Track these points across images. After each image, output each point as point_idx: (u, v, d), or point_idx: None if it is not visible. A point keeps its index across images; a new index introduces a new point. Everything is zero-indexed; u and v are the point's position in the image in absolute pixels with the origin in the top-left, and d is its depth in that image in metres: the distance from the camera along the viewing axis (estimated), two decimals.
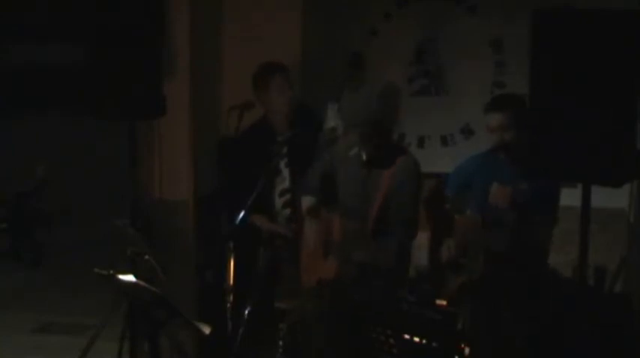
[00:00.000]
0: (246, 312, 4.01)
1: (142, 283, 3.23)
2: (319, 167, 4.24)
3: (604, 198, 3.56)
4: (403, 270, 4.08)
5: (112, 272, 3.23)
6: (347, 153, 4.09)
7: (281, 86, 4.60)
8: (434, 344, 3.62)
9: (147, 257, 3.60)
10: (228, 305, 3.99)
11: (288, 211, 4.68)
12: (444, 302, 4.11)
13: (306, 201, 4.18)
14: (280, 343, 4.06)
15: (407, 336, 3.65)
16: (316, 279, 4.02)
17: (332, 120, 4.42)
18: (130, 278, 3.24)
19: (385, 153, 3.97)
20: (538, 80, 3.17)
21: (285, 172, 4.67)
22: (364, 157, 4.00)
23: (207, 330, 3.17)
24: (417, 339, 3.64)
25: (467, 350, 3.66)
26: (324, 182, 4.17)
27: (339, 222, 3.99)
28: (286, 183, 4.69)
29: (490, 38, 5.52)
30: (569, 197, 3.99)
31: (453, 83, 5.63)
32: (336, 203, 4.11)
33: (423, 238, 4.69)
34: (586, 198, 3.23)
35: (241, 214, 3.99)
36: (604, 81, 3.02)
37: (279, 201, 4.71)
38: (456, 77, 5.62)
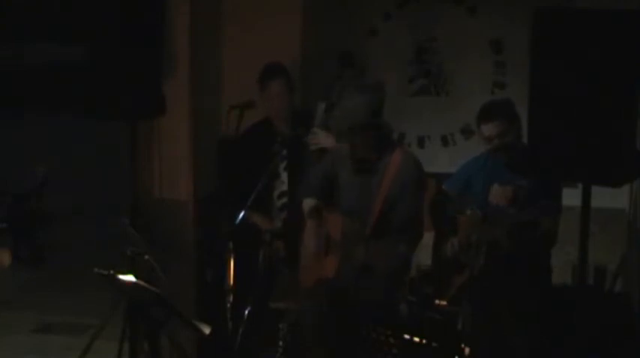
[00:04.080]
0: (246, 312, 4.01)
1: (142, 283, 3.23)
2: (320, 169, 4.24)
3: (604, 198, 3.56)
4: (403, 274, 4.07)
5: (112, 272, 3.23)
6: (348, 155, 4.09)
7: (279, 91, 4.61)
8: (434, 344, 3.62)
9: (147, 257, 3.60)
10: (228, 305, 3.99)
11: (284, 213, 4.68)
12: (444, 302, 4.12)
13: (308, 203, 4.18)
14: (280, 343, 4.06)
15: (407, 336, 3.65)
16: (314, 279, 4.01)
17: (320, 118, 4.45)
18: (130, 278, 3.24)
19: (380, 153, 3.97)
20: (538, 80, 3.17)
21: (284, 176, 4.68)
22: (367, 155, 3.98)
23: (207, 330, 3.17)
24: (417, 339, 3.65)
25: (467, 350, 3.67)
26: (325, 184, 4.17)
27: (340, 222, 3.99)
28: (284, 186, 4.69)
29: (490, 38, 5.52)
30: (569, 197, 3.99)
31: (453, 83, 5.63)
32: (336, 204, 4.11)
33: (425, 238, 4.69)
34: (586, 198, 3.23)
35: (241, 214, 4.00)
36: (604, 81, 3.02)
37: (277, 204, 4.71)
38: (455, 77, 5.62)
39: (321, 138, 4.43)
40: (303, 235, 4.17)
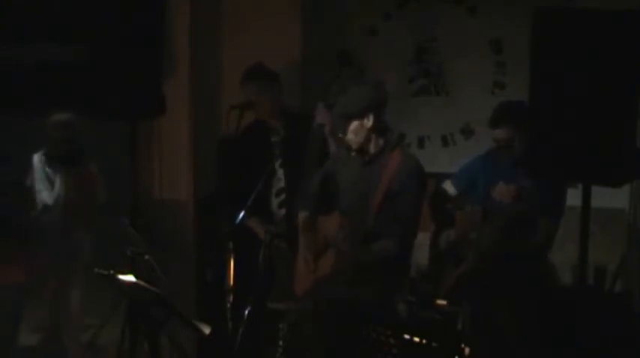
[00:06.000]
0: (246, 312, 4.01)
1: (142, 283, 3.23)
2: (318, 177, 4.25)
3: (604, 198, 3.56)
4: (404, 270, 4.07)
5: (112, 272, 3.23)
6: (349, 154, 4.09)
7: (256, 91, 4.61)
8: (434, 344, 3.62)
9: (147, 257, 3.60)
10: (228, 305, 3.99)
11: (283, 211, 4.68)
12: (444, 302, 4.11)
13: (301, 216, 4.21)
14: (280, 343, 4.06)
15: (407, 336, 3.65)
16: (309, 285, 4.02)
17: (320, 117, 4.45)
18: (130, 278, 3.24)
19: (380, 145, 3.97)
20: (538, 80, 3.18)
21: (280, 173, 4.68)
22: (354, 147, 3.96)
23: (207, 330, 3.18)
24: (417, 339, 3.64)
25: (467, 350, 3.67)
26: (324, 190, 4.17)
27: (339, 218, 3.99)
28: (282, 183, 4.70)
29: (490, 38, 5.52)
30: (569, 197, 3.99)
31: (453, 83, 5.63)
32: (336, 207, 4.11)
33: (423, 238, 4.69)
34: (586, 198, 3.24)
35: (241, 214, 4.00)
36: (604, 81, 3.02)
37: (275, 201, 4.71)
38: (456, 77, 5.62)
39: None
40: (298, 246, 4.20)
